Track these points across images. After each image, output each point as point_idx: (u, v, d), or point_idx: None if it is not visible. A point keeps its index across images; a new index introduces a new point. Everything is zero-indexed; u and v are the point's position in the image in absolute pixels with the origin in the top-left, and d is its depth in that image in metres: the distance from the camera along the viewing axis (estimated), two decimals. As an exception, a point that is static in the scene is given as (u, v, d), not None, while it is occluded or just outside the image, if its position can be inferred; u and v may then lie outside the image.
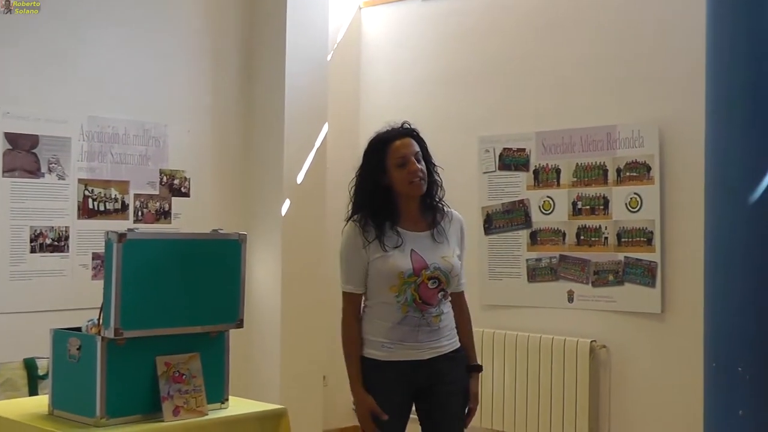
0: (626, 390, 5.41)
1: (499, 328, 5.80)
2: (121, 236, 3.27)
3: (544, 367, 5.58)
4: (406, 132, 3.60)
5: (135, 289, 3.30)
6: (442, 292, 3.55)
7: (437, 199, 3.64)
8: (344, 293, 3.60)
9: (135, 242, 3.31)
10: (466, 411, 3.67)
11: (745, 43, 3.85)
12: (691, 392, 4.78)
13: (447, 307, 3.62)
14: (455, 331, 3.66)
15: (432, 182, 3.60)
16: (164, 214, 5.77)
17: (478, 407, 5.59)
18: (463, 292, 3.73)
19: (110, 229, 3.32)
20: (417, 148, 3.56)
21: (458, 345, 3.65)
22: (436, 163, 3.64)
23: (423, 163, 3.55)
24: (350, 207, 3.63)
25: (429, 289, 3.52)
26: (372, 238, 3.52)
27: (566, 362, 5.50)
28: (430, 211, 3.62)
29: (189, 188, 5.90)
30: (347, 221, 3.62)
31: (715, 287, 3.92)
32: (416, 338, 3.52)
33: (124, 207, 5.57)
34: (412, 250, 3.52)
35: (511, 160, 5.90)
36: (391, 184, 3.54)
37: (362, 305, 3.64)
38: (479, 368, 3.75)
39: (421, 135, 3.63)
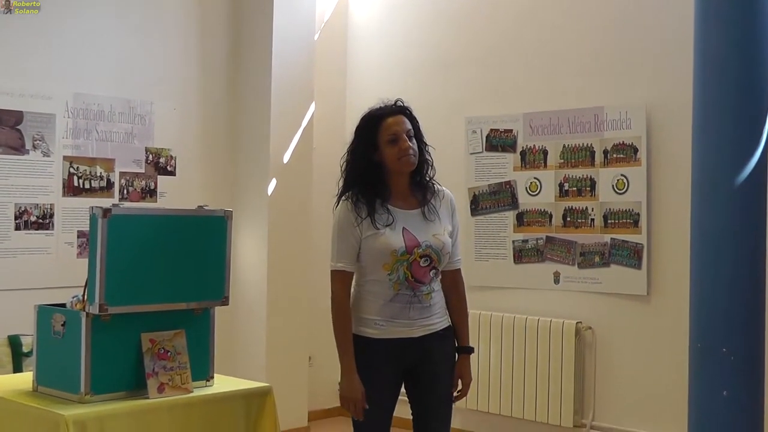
0: (611, 371, 5.43)
1: (485, 309, 5.80)
2: (106, 211, 3.25)
3: (530, 348, 5.59)
4: (399, 109, 3.58)
5: (120, 265, 3.29)
6: (433, 270, 3.53)
7: (428, 178, 3.62)
8: (335, 272, 3.52)
9: (120, 218, 3.29)
10: (457, 393, 3.66)
11: (733, 26, 3.84)
12: (676, 373, 4.81)
13: (438, 285, 3.59)
14: (446, 309, 3.64)
15: (423, 161, 3.59)
16: (150, 193, 5.75)
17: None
18: (459, 269, 3.70)
19: (96, 204, 3.31)
20: (409, 125, 3.55)
21: (449, 323, 3.63)
22: (427, 143, 3.63)
23: (414, 141, 3.54)
24: (341, 184, 3.60)
25: (421, 267, 3.50)
26: (364, 215, 3.49)
27: (552, 343, 5.51)
28: (420, 189, 3.60)
29: (175, 167, 5.88)
30: (338, 198, 3.59)
31: (701, 269, 3.92)
32: (408, 315, 3.50)
33: (110, 185, 5.55)
34: (403, 228, 3.50)
35: (498, 141, 5.90)
36: (382, 161, 3.52)
37: (352, 284, 3.60)
38: (470, 350, 3.72)
39: (414, 113, 3.61)
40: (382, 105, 3.60)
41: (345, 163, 3.60)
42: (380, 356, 3.50)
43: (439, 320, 3.59)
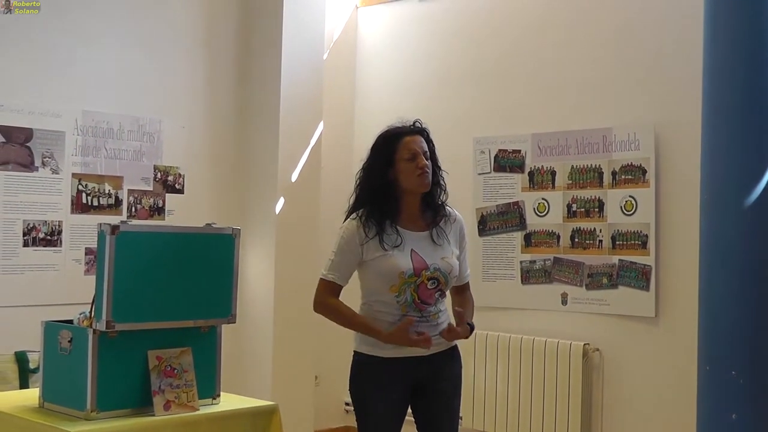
0: (619, 393, 5.40)
1: (492, 329, 5.78)
2: (114, 228, 3.25)
3: (537, 369, 5.56)
4: (418, 130, 3.63)
5: (127, 282, 3.28)
6: (439, 292, 3.58)
7: (439, 201, 3.66)
8: (324, 281, 3.57)
9: (128, 234, 3.29)
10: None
11: (743, 45, 3.84)
12: (684, 396, 4.78)
13: (444, 305, 3.63)
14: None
15: (436, 183, 3.63)
16: (158, 211, 5.75)
17: (469, 409, 5.63)
18: (468, 283, 3.80)
19: (104, 221, 3.31)
20: (426, 147, 3.59)
21: (455, 342, 3.66)
22: (441, 167, 3.68)
23: (430, 162, 3.58)
24: (352, 200, 3.65)
25: (428, 290, 3.54)
26: (372, 236, 3.52)
27: (559, 365, 5.48)
28: (430, 211, 3.64)
29: (183, 185, 5.88)
30: (347, 214, 3.63)
31: (710, 291, 3.91)
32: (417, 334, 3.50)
33: (118, 202, 5.55)
34: (412, 250, 3.54)
35: (507, 162, 5.90)
36: (397, 179, 3.55)
37: (360, 303, 3.64)
38: (472, 326, 3.69)
39: (431, 136, 3.67)
40: (400, 124, 3.65)
41: (358, 180, 3.65)
42: (392, 375, 3.54)
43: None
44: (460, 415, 5.81)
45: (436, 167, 3.64)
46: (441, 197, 3.67)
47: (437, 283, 3.55)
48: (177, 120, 5.86)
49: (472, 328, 3.68)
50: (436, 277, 3.55)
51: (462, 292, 3.79)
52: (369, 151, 3.65)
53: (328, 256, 3.60)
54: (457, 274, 3.63)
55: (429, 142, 3.64)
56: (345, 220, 3.63)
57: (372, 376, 3.56)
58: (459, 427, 3.70)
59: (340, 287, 3.59)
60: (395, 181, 3.55)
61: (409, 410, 3.67)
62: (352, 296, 3.67)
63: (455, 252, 3.64)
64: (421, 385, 3.59)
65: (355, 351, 3.65)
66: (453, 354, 3.67)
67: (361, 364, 3.61)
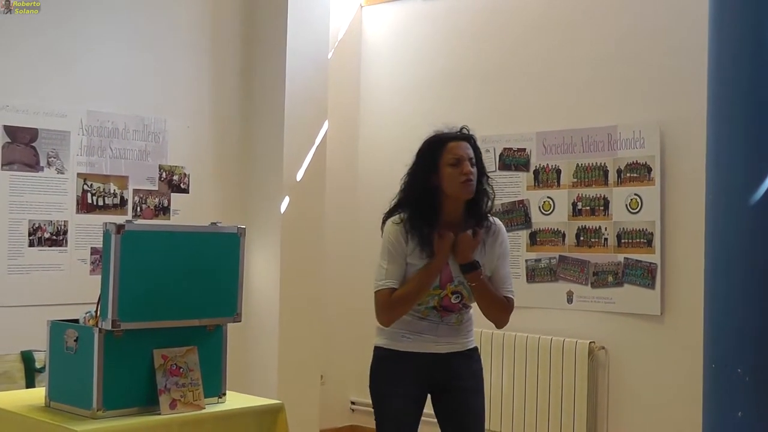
0: (625, 391, 5.40)
1: (497, 328, 5.77)
2: (120, 227, 3.25)
3: (543, 367, 5.56)
4: (465, 136, 3.60)
5: (133, 281, 3.28)
6: (463, 304, 3.59)
7: (484, 210, 3.61)
8: (380, 291, 3.53)
9: (133, 234, 3.29)
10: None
11: (747, 43, 3.83)
12: (690, 394, 4.77)
13: (468, 314, 3.65)
14: (473, 332, 3.69)
15: (482, 191, 3.59)
16: (163, 210, 5.76)
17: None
18: (511, 299, 3.68)
19: (109, 221, 3.32)
20: (472, 153, 3.56)
21: (475, 345, 3.69)
22: (489, 175, 3.63)
23: (475, 169, 3.55)
24: (393, 203, 3.64)
25: (452, 303, 3.57)
26: (414, 241, 3.52)
27: (565, 363, 5.48)
28: (473, 219, 3.59)
29: (188, 184, 5.89)
30: (386, 216, 3.63)
31: (715, 289, 3.90)
32: (435, 332, 3.56)
33: (123, 202, 5.56)
34: (447, 262, 3.53)
35: (512, 160, 5.90)
36: (440, 184, 3.52)
37: None
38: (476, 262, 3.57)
39: (478, 144, 3.64)
40: (447, 129, 3.63)
41: (403, 184, 3.62)
42: (408, 369, 3.57)
43: (466, 340, 3.66)
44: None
45: (482, 175, 3.59)
46: (486, 206, 3.62)
47: (461, 297, 3.56)
48: (182, 120, 5.87)
49: (475, 263, 3.56)
50: (459, 291, 3.55)
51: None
52: (415, 156, 3.63)
53: (379, 264, 3.56)
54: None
55: (476, 149, 3.60)
56: (383, 222, 3.62)
57: (390, 370, 3.60)
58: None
59: (395, 290, 3.53)
60: (439, 187, 3.53)
61: (432, 413, 3.67)
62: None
63: (490, 266, 3.60)
64: (439, 385, 3.61)
65: (375, 346, 3.67)
66: (471, 355, 3.68)
67: (380, 359, 3.64)
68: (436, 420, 3.68)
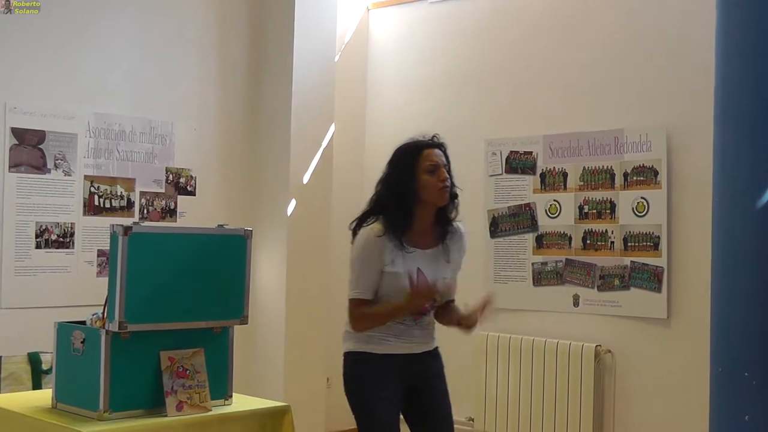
0: (631, 395, 5.39)
1: (504, 331, 5.78)
2: (127, 229, 3.26)
3: (549, 371, 5.56)
4: (438, 144, 3.68)
5: (140, 283, 3.29)
6: (433, 304, 3.70)
7: (451, 216, 3.71)
8: (353, 300, 3.61)
9: (140, 236, 3.30)
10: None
11: (755, 47, 3.83)
12: (697, 397, 4.77)
13: (432, 314, 3.78)
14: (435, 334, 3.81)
15: (453, 196, 3.68)
16: (170, 213, 5.77)
17: (481, 410, 5.65)
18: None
19: (116, 223, 3.32)
20: (445, 160, 3.65)
21: (437, 344, 3.80)
22: (456, 184, 3.70)
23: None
24: (365, 210, 3.69)
25: (425, 307, 3.67)
26: (389, 249, 3.58)
27: (571, 367, 5.48)
28: (440, 226, 3.69)
29: (195, 187, 5.90)
30: (357, 224, 3.67)
31: (722, 292, 3.89)
32: (411, 334, 3.67)
33: (130, 204, 5.57)
34: (419, 269, 3.62)
35: (518, 164, 5.89)
36: (417, 191, 3.58)
37: None
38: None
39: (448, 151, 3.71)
40: (420, 137, 3.69)
41: (378, 192, 3.67)
42: (387, 371, 3.64)
43: (433, 340, 3.80)
44: (472, 416, 5.87)
45: (452, 183, 3.67)
46: (453, 213, 3.71)
47: (433, 302, 3.67)
48: (189, 122, 5.88)
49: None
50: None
51: (447, 304, 3.82)
52: (387, 164, 3.68)
53: (354, 272, 3.62)
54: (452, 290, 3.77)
55: (446, 157, 3.68)
56: (353, 231, 3.67)
57: (370, 373, 3.65)
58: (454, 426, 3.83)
59: (369, 301, 3.61)
60: (415, 194, 3.58)
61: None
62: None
63: (456, 269, 3.75)
64: (413, 385, 3.70)
65: (348, 352, 3.72)
66: (437, 354, 3.81)
67: (357, 363, 3.68)
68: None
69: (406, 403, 3.72)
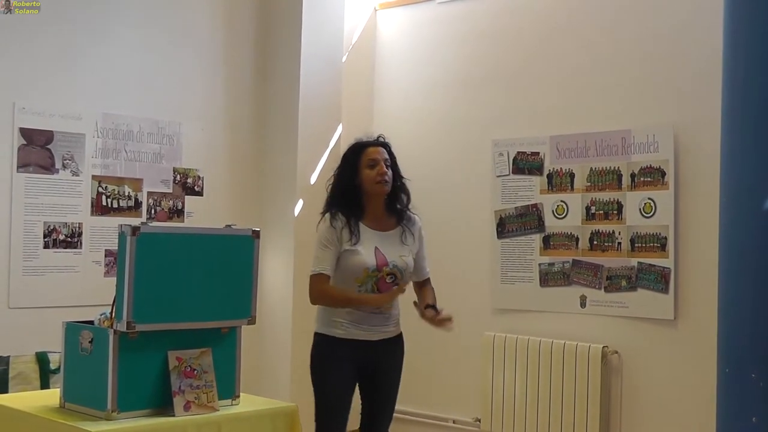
0: (638, 396, 5.39)
1: (510, 332, 5.78)
2: (135, 229, 3.27)
3: (556, 372, 5.56)
4: (381, 143, 4.20)
5: (148, 283, 3.30)
6: (395, 286, 4.09)
7: (402, 205, 4.22)
8: (315, 275, 4.05)
9: (148, 236, 3.31)
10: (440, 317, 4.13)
11: (762, 46, 3.83)
12: (704, 398, 4.77)
13: (397, 301, 4.17)
14: (399, 319, 4.22)
15: (398, 188, 4.20)
16: (177, 213, 5.78)
17: (487, 411, 5.66)
18: (428, 279, 4.37)
19: (124, 223, 3.33)
20: (387, 156, 4.15)
21: (400, 331, 4.24)
22: (404, 176, 4.24)
23: (391, 171, 4.13)
24: (326, 202, 4.19)
25: (386, 284, 4.09)
26: (342, 230, 4.06)
27: (578, 367, 5.47)
28: (394, 213, 4.21)
29: (202, 187, 5.91)
30: (323, 214, 4.16)
31: (729, 293, 3.90)
32: (370, 322, 4.08)
33: (138, 204, 5.58)
34: (375, 247, 4.08)
35: (525, 164, 5.89)
36: (361, 183, 4.10)
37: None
38: (436, 309, 4.19)
39: (393, 150, 4.22)
40: (367, 137, 4.24)
41: (331, 185, 4.21)
42: (343, 353, 4.07)
43: (394, 328, 4.20)
44: (479, 417, 5.87)
45: (398, 176, 4.19)
46: (404, 202, 4.22)
47: (394, 278, 4.10)
48: (196, 122, 5.89)
49: (436, 310, 4.16)
50: (393, 273, 4.10)
51: (423, 285, 4.34)
52: (340, 160, 4.24)
53: (315, 253, 4.09)
54: (412, 270, 4.19)
55: (391, 154, 4.18)
56: (320, 221, 4.15)
57: (329, 353, 4.08)
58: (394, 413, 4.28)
59: (329, 277, 4.06)
60: (360, 186, 4.10)
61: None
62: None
63: (413, 251, 4.21)
64: (369, 368, 4.12)
65: (315, 333, 4.18)
66: (397, 341, 4.23)
67: (320, 344, 4.13)
68: (397, 414, 4.31)
69: (361, 383, 4.17)
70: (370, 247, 4.06)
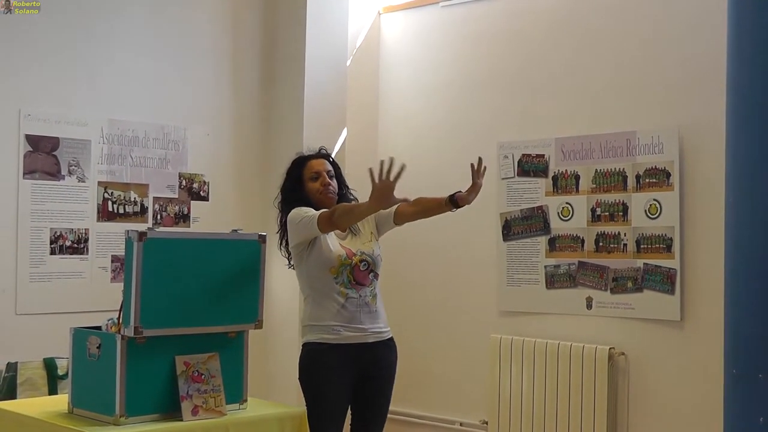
0: (645, 397, 5.39)
1: (517, 334, 5.79)
2: (142, 235, 3.29)
3: (562, 374, 5.55)
4: (323, 155, 4.26)
5: (155, 288, 3.32)
6: (372, 273, 4.06)
7: None
8: (307, 217, 3.91)
9: (155, 241, 3.33)
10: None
11: (766, 47, 3.82)
12: (711, 400, 4.76)
13: (378, 290, 4.11)
14: (386, 319, 4.16)
15: (343, 197, 4.21)
16: (183, 218, 5.79)
17: (495, 413, 5.65)
18: (405, 198, 4.05)
19: (131, 228, 3.35)
20: (330, 168, 4.20)
21: (392, 334, 4.16)
22: (349, 186, 4.31)
23: (335, 181, 4.18)
24: (279, 219, 4.19)
25: (361, 271, 4.03)
26: None
27: (584, 369, 5.47)
28: None
29: (208, 192, 5.92)
30: (280, 230, 4.19)
31: (735, 294, 3.88)
32: (360, 321, 3.99)
33: (144, 210, 5.59)
34: (339, 243, 4.05)
35: (530, 166, 5.90)
36: (307, 196, 4.11)
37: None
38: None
39: (337, 161, 4.31)
40: (308, 152, 4.28)
41: (279, 202, 4.21)
42: (339, 361, 3.95)
43: (386, 329, 4.14)
44: (486, 419, 5.87)
45: (342, 186, 4.24)
46: None
47: (368, 265, 4.05)
48: (202, 128, 5.90)
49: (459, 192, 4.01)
50: (365, 260, 4.04)
51: (414, 203, 4.08)
52: (284, 175, 4.25)
53: (300, 221, 3.94)
54: (380, 253, 4.12)
55: (335, 165, 4.25)
56: (284, 214, 4.15)
57: (324, 363, 3.94)
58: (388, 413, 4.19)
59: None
60: (304, 199, 4.10)
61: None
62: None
63: (375, 234, 4.16)
64: (363, 372, 4.02)
65: (305, 343, 4.04)
66: (390, 345, 4.15)
67: (312, 353, 3.98)
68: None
69: (356, 390, 4.04)
70: (336, 242, 4.04)
